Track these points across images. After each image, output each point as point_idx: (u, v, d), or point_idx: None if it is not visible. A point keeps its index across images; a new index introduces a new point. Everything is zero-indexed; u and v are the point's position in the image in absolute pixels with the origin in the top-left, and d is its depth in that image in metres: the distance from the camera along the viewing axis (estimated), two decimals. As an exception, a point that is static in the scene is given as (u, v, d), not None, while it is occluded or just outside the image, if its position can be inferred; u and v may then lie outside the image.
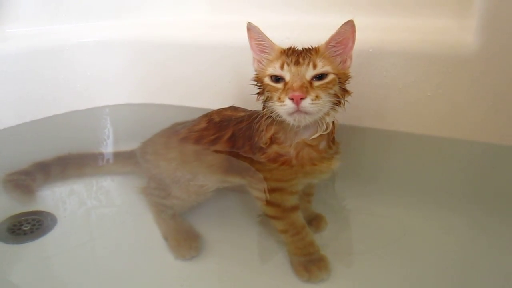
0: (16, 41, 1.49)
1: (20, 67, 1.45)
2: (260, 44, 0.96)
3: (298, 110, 0.86)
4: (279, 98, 0.89)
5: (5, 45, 1.46)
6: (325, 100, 0.89)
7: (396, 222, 1.10)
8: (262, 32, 0.96)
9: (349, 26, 0.93)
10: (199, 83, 1.49)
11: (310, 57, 0.91)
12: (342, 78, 0.94)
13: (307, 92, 0.86)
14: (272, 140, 0.96)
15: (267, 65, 0.95)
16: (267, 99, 0.93)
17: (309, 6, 1.46)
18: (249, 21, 0.96)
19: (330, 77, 0.91)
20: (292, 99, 0.86)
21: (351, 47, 0.95)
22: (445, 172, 1.23)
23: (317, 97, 0.87)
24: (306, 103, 0.86)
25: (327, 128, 0.93)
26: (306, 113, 0.87)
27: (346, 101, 0.95)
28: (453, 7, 1.29)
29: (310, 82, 0.89)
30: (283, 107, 0.88)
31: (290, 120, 0.89)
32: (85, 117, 1.56)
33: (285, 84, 0.90)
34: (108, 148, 1.46)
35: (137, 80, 1.58)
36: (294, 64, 0.90)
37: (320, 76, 0.90)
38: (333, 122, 0.95)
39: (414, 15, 1.33)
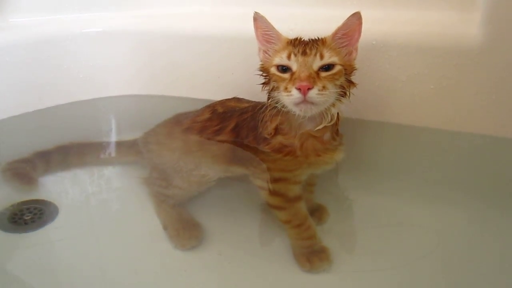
0: (18, 31, 1.48)
1: (22, 57, 1.44)
2: (267, 34, 0.96)
3: (304, 100, 0.86)
4: (286, 88, 0.89)
5: (7, 35, 1.45)
6: (332, 91, 0.89)
7: (398, 214, 1.11)
8: (269, 22, 0.96)
9: (356, 18, 0.93)
10: (202, 74, 1.48)
11: (317, 47, 0.91)
12: (348, 70, 0.94)
13: (314, 83, 0.87)
14: (277, 131, 0.97)
15: (274, 55, 0.95)
16: (273, 89, 0.93)
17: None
18: (256, 11, 0.95)
19: (337, 68, 0.91)
20: (299, 89, 0.86)
21: (357, 39, 0.96)
22: (448, 164, 1.23)
23: (324, 87, 0.87)
24: (313, 93, 0.86)
25: (331, 119, 0.94)
26: (312, 103, 0.87)
27: (352, 93, 0.96)
28: (458, 0, 1.29)
29: (317, 73, 0.89)
30: (290, 97, 0.88)
31: (296, 110, 0.90)
32: (88, 107, 1.55)
33: (292, 74, 0.90)
34: (110, 138, 1.46)
35: (140, 71, 1.57)
36: (301, 54, 0.90)
37: (327, 67, 0.90)
38: (337, 114, 0.96)
39: (417, 8, 1.33)
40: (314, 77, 0.88)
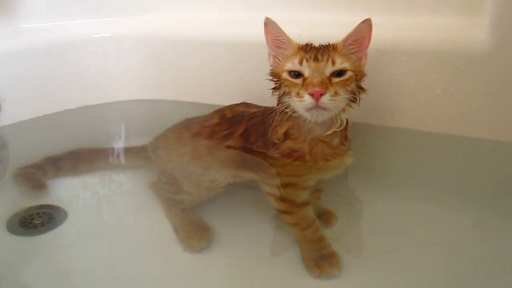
0: (29, 36, 1.50)
1: (32, 62, 1.45)
2: (277, 40, 0.97)
3: (316, 106, 0.87)
4: (298, 94, 0.89)
5: (18, 40, 1.47)
6: (343, 96, 0.90)
7: (407, 218, 1.10)
8: (280, 28, 0.96)
9: (367, 24, 0.94)
10: (210, 79, 1.49)
11: (328, 53, 0.91)
12: (358, 76, 0.95)
13: (326, 88, 0.87)
14: (286, 136, 0.97)
15: (285, 61, 0.95)
16: (284, 94, 0.93)
17: (321, 4, 1.46)
18: (267, 16, 0.96)
19: (348, 74, 0.92)
20: (312, 94, 0.86)
21: (367, 46, 0.96)
22: (456, 169, 1.23)
23: (335, 93, 0.88)
24: (325, 99, 0.87)
25: (341, 124, 0.94)
26: (324, 109, 0.88)
27: (361, 99, 0.96)
28: (465, 5, 1.29)
29: (329, 79, 0.90)
30: (302, 102, 0.88)
31: (307, 115, 0.90)
32: (97, 112, 1.56)
33: (304, 79, 0.90)
34: (119, 143, 1.46)
35: (149, 76, 1.58)
36: (313, 60, 0.90)
37: (339, 73, 0.91)
38: (346, 119, 0.96)
39: (425, 13, 1.33)
40: (326, 83, 0.88)
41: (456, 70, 1.19)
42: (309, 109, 0.88)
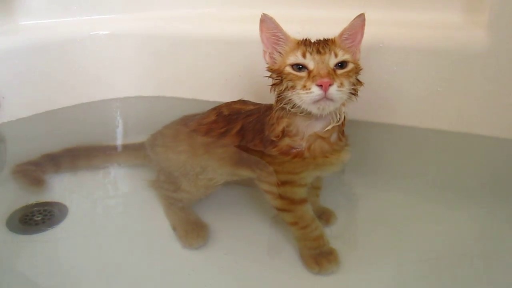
0: (28, 33, 1.50)
1: (31, 60, 1.46)
2: (275, 36, 0.96)
3: (324, 97, 0.87)
4: (305, 86, 0.88)
5: (17, 38, 1.47)
6: (347, 88, 0.90)
7: (405, 215, 1.10)
8: (278, 24, 0.96)
9: (361, 19, 0.95)
10: (209, 76, 1.49)
11: (329, 46, 0.92)
12: (357, 69, 0.95)
13: (333, 79, 0.87)
14: (284, 133, 0.97)
15: (286, 55, 0.95)
16: (287, 88, 0.92)
17: (320, 1, 1.46)
18: (264, 13, 0.95)
19: (350, 65, 0.92)
20: (320, 85, 0.86)
21: (360, 41, 0.97)
22: (453, 166, 1.23)
23: (341, 84, 0.89)
24: (333, 89, 0.87)
25: (340, 119, 0.94)
26: (331, 100, 0.88)
27: (359, 95, 0.96)
28: (465, 2, 1.29)
29: (334, 70, 0.90)
30: (309, 94, 0.88)
31: (313, 108, 0.90)
32: (96, 109, 1.57)
33: (309, 72, 0.90)
34: (118, 140, 1.47)
35: (148, 73, 1.59)
36: (316, 53, 0.90)
37: (341, 65, 0.91)
38: (344, 114, 0.96)
39: (425, 10, 1.33)
40: (332, 74, 0.88)
41: (456, 67, 1.19)
42: (316, 101, 0.88)
